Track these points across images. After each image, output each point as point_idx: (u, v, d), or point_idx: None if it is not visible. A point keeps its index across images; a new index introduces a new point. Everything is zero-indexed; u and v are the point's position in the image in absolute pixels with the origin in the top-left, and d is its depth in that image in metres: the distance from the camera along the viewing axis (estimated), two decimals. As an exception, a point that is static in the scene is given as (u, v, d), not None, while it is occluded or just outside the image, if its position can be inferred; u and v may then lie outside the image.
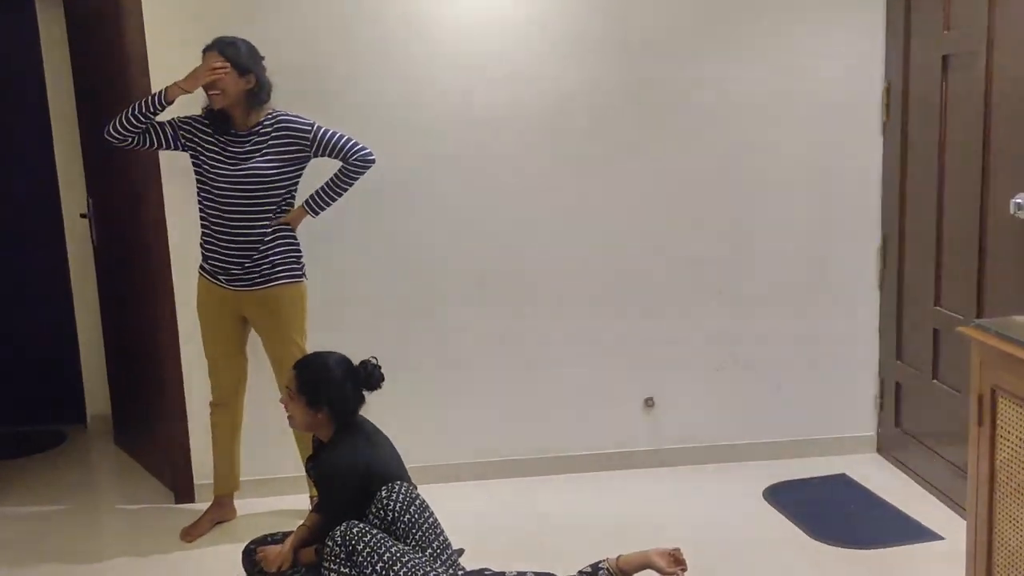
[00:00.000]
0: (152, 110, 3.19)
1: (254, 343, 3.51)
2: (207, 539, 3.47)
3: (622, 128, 3.78)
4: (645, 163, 3.81)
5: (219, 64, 3.16)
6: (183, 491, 3.78)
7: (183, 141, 3.30)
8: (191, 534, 3.48)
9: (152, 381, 3.85)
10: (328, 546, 2.56)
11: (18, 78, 4.54)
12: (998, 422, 2.21)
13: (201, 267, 3.42)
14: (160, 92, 3.19)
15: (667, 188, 3.84)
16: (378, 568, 2.50)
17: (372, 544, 2.52)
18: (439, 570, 2.57)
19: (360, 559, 2.51)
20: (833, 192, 3.92)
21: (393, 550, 2.53)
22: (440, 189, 3.74)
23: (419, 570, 2.51)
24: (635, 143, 3.80)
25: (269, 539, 3.01)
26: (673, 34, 3.75)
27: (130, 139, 3.24)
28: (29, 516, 3.73)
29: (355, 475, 2.79)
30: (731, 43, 3.78)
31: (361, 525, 2.57)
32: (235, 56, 3.19)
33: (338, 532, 2.56)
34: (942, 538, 3.29)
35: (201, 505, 3.67)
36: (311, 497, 3.60)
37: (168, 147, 3.31)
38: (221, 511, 3.59)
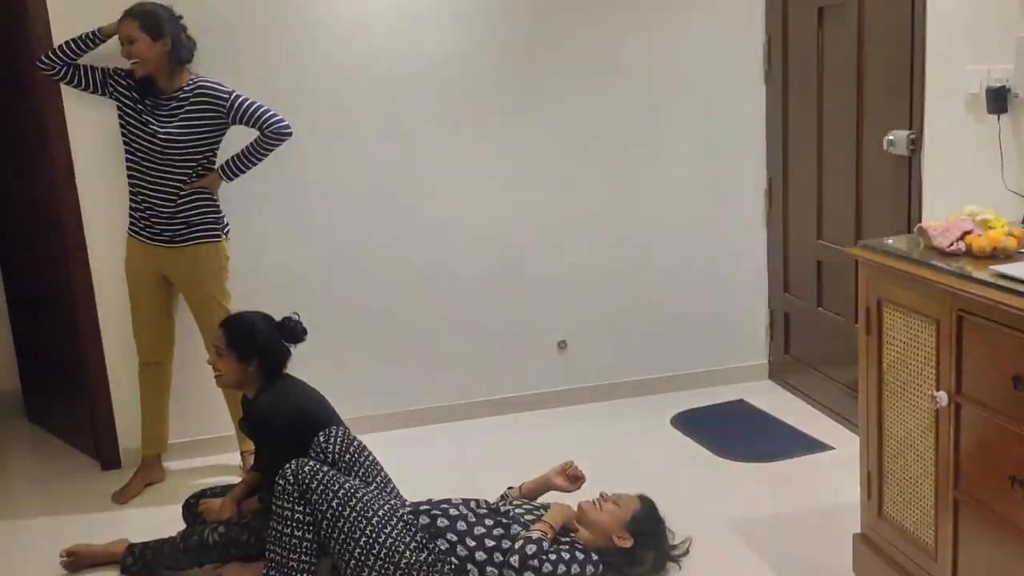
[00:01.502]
0: (87, 45, 3.29)
1: (184, 308, 3.55)
2: (141, 499, 3.50)
3: (520, 86, 3.94)
4: (544, 119, 3.97)
5: (135, 36, 3.22)
6: (109, 457, 3.77)
7: (110, 90, 3.36)
8: (124, 495, 3.49)
9: (69, 350, 3.79)
10: (280, 484, 2.59)
11: None
12: (884, 329, 2.49)
13: (129, 228, 3.45)
14: (97, 29, 3.29)
15: (566, 143, 4.02)
16: (334, 505, 2.55)
17: (326, 482, 2.57)
18: (392, 502, 2.68)
19: (315, 497, 2.55)
20: (721, 141, 4.18)
21: (347, 486, 2.59)
22: (352, 153, 3.82)
23: (374, 503, 2.59)
24: (532, 100, 3.95)
25: (208, 492, 3.06)
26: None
27: (59, 68, 3.31)
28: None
29: (289, 417, 2.85)
30: (623, 7, 3.96)
31: (312, 463, 2.62)
32: (150, 24, 3.23)
33: (289, 471, 2.59)
34: (833, 448, 3.64)
35: (128, 471, 3.67)
36: (242, 453, 3.67)
37: (96, 91, 3.37)
38: (151, 472, 3.61)
